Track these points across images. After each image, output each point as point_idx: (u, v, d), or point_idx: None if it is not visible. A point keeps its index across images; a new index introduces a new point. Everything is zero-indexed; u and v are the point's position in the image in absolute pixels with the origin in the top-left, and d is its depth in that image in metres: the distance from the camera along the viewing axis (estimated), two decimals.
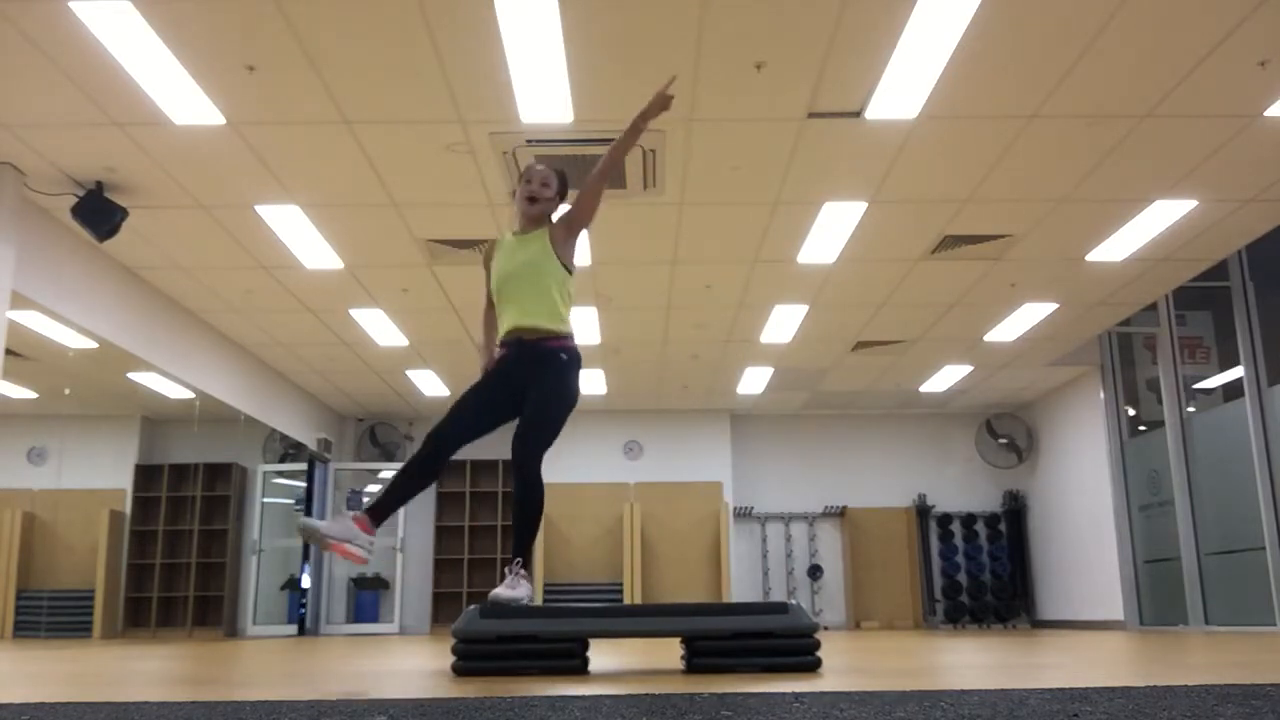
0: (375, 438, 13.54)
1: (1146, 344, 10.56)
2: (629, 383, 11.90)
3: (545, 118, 5.72)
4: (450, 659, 3.39)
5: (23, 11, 4.69)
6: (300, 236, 7.37)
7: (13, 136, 5.89)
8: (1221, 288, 9.20)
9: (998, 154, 6.24)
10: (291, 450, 13.03)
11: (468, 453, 12.56)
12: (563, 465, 12.75)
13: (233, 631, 12.71)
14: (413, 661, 4.56)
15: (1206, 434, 9.66)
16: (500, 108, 5.61)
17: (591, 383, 11.67)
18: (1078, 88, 5.46)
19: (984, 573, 13.19)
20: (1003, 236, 7.56)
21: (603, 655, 4.67)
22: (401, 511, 13.09)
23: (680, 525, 12.95)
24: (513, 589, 3.50)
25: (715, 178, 6.51)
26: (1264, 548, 8.68)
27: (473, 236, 7.45)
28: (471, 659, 3.32)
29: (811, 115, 5.75)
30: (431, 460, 3.64)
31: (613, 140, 3.65)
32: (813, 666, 3.35)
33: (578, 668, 3.37)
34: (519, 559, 3.58)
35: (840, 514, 13.41)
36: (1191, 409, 9.93)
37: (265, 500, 13.08)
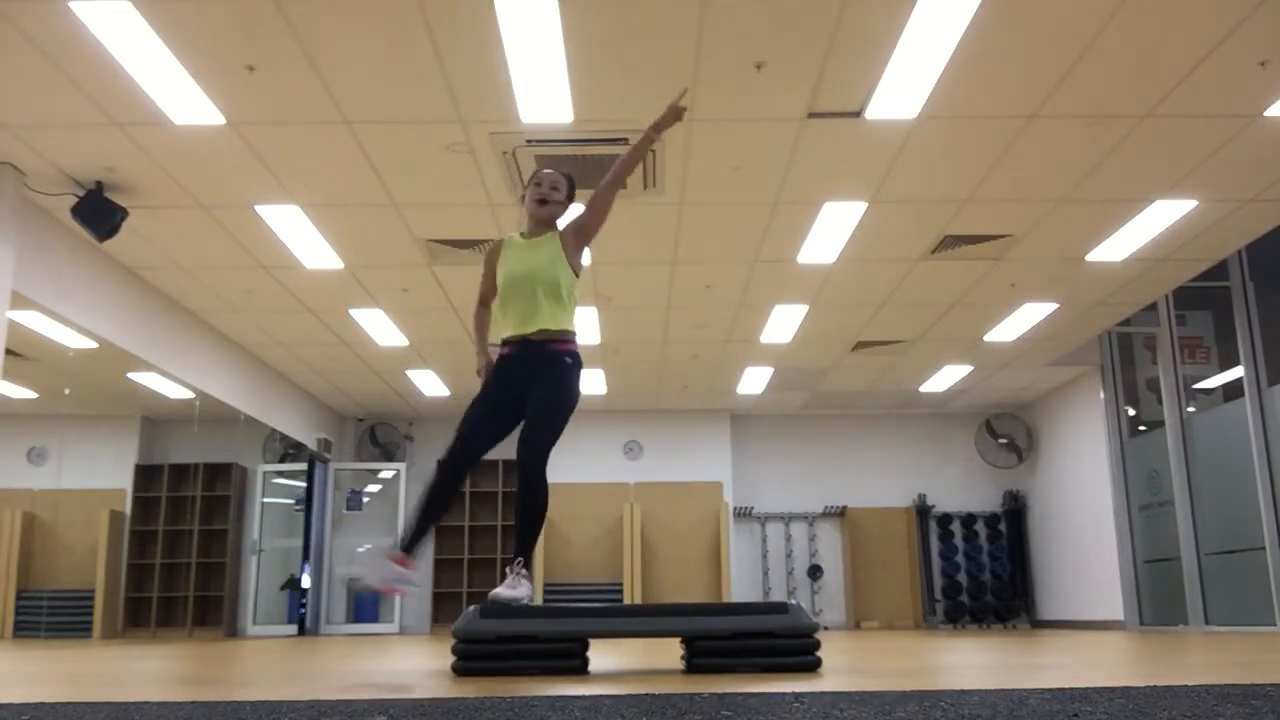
0: (375, 438, 13.54)
1: (1146, 344, 10.57)
2: (629, 383, 11.90)
3: (545, 118, 5.72)
4: (450, 659, 3.39)
5: (23, 11, 4.69)
6: (300, 236, 7.37)
7: (13, 136, 5.89)
8: (1221, 288, 9.20)
9: (998, 154, 6.24)
10: (291, 450, 13.03)
11: None
12: (563, 465, 12.74)
13: (233, 631, 12.71)
14: (413, 661, 4.56)
15: (1206, 434, 9.66)
16: (500, 108, 5.61)
17: (591, 383, 11.67)
18: (1078, 88, 5.46)
19: (984, 573, 13.19)
20: (1003, 236, 7.56)
21: (603, 655, 4.67)
22: (401, 511, 13.13)
23: (680, 525, 12.95)
24: (513, 589, 3.51)
25: (715, 178, 6.51)
26: (1264, 548, 8.68)
27: (473, 236, 7.46)
28: (471, 659, 3.32)
29: (811, 115, 5.75)
30: (451, 485, 3.63)
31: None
32: (813, 666, 3.35)
33: (578, 668, 3.37)
34: (520, 559, 3.58)
35: (840, 514, 13.41)
36: (1191, 409, 9.93)
37: (265, 500, 13.08)
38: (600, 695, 2.34)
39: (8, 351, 6.98)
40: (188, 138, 5.90)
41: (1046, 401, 12.74)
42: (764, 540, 13.39)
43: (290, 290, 8.56)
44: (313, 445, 12.38)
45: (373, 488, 13.56)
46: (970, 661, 3.99)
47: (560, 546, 12.74)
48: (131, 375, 10.26)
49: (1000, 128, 5.92)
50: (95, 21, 4.75)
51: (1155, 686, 2.44)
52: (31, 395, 11.36)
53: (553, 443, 3.62)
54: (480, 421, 3.63)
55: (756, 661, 3.34)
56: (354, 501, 13.44)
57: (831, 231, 7.41)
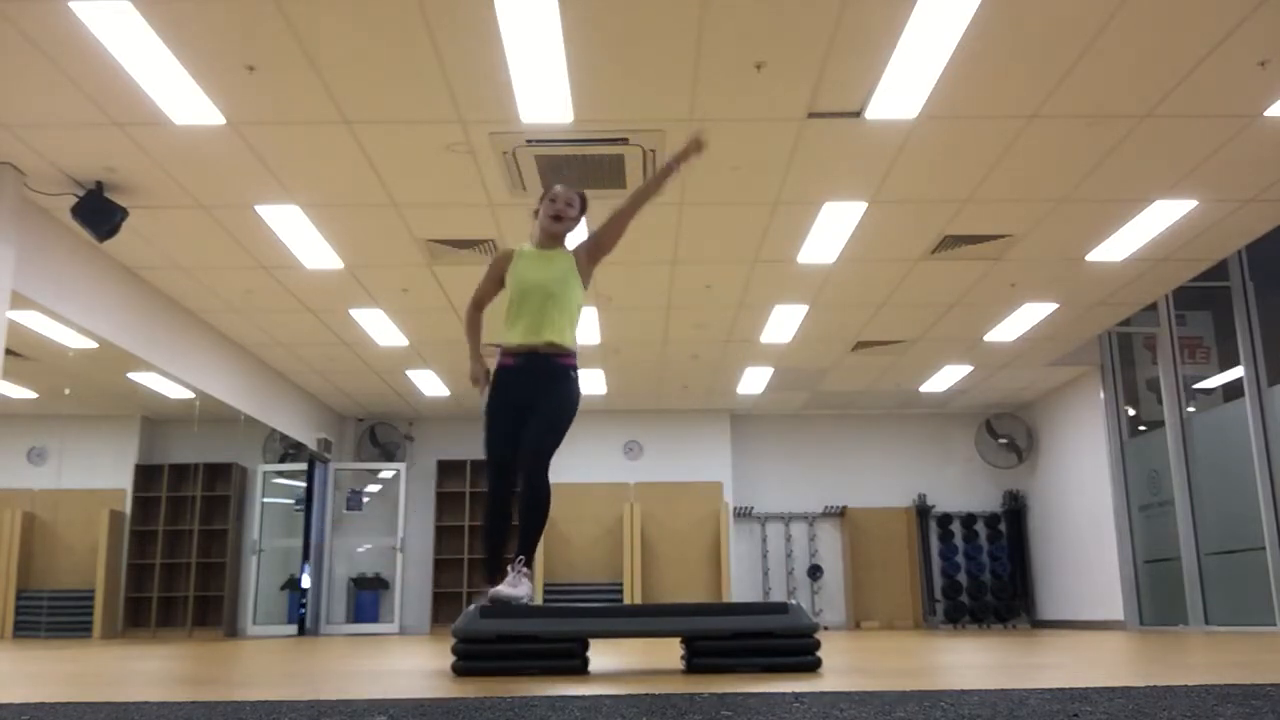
0: (375, 438, 13.54)
1: (1146, 344, 10.57)
2: (629, 383, 11.90)
3: (545, 118, 5.72)
4: (450, 659, 3.39)
5: (23, 11, 4.69)
6: (300, 236, 7.37)
7: (13, 136, 5.89)
8: (1221, 288, 9.20)
9: (998, 154, 6.24)
10: (291, 450, 13.03)
11: (467, 452, 12.52)
12: (563, 465, 12.69)
13: (233, 631, 12.71)
14: (413, 661, 4.56)
15: (1206, 434, 9.66)
16: (500, 108, 5.61)
17: (591, 383, 11.67)
18: (1078, 88, 5.46)
19: (984, 573, 13.19)
20: (1003, 236, 7.56)
21: (603, 655, 4.67)
22: (401, 511, 13.14)
23: (680, 525, 12.95)
24: (514, 587, 3.53)
25: (715, 178, 6.51)
26: (1264, 548, 8.68)
27: (473, 236, 7.46)
28: (471, 659, 3.32)
29: (811, 115, 5.75)
30: (506, 510, 3.78)
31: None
32: (813, 666, 3.35)
33: (578, 668, 3.37)
34: (521, 557, 3.62)
35: (840, 514, 13.41)
36: (1191, 409, 9.93)
37: (265, 500, 13.08)
38: (600, 695, 2.34)
39: (8, 351, 6.99)
40: (188, 138, 5.90)
41: (1046, 401, 12.74)
42: (764, 540, 13.39)
43: (290, 290, 8.56)
44: (313, 445, 12.38)
45: (373, 488, 13.56)
46: (970, 661, 3.99)
47: (560, 546, 12.74)
48: (131, 375, 10.26)
49: (1000, 128, 5.92)
50: (95, 21, 4.75)
51: (1155, 686, 2.44)
52: (31, 395, 11.37)
53: (554, 448, 3.72)
54: (504, 443, 3.75)
55: (756, 661, 3.34)
56: (354, 501, 13.44)
57: (831, 231, 7.41)
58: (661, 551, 12.87)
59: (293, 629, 12.60)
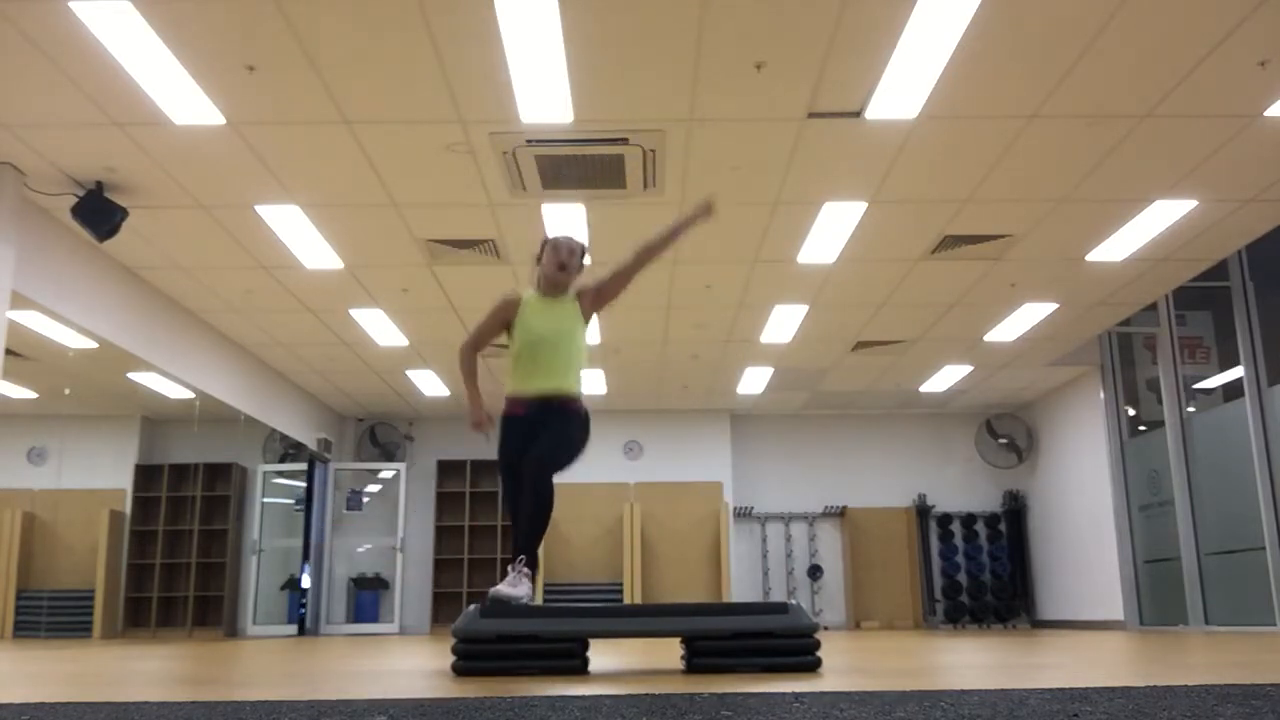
0: (375, 438, 13.54)
1: (1146, 344, 10.57)
2: (629, 383, 11.90)
3: (545, 118, 5.72)
4: (450, 659, 3.39)
5: (23, 11, 4.69)
6: (300, 236, 7.37)
7: (13, 136, 5.89)
8: (1221, 288, 9.20)
9: (998, 154, 6.24)
10: (291, 450, 13.03)
11: (467, 452, 12.51)
12: None
13: (233, 631, 12.71)
14: (413, 661, 4.56)
15: (1206, 434, 9.66)
16: (500, 108, 5.61)
17: (591, 382, 11.68)
18: (1078, 88, 5.46)
19: (984, 573, 13.19)
20: (1003, 236, 7.56)
21: (603, 655, 4.67)
22: (401, 511, 13.14)
23: (680, 525, 12.95)
24: (514, 586, 3.53)
25: (715, 178, 6.51)
26: (1264, 548, 8.68)
27: (473, 236, 7.46)
28: (471, 659, 3.32)
29: (811, 115, 5.75)
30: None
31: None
32: (813, 666, 3.35)
33: (578, 668, 3.37)
34: (523, 557, 3.63)
35: (840, 514, 13.41)
36: (1191, 409, 9.93)
37: (265, 500, 13.08)
38: (600, 695, 2.34)
39: (8, 351, 6.99)
40: (188, 138, 5.90)
41: (1046, 401, 12.74)
42: (764, 540, 13.39)
43: (290, 290, 8.56)
44: (313, 445, 12.38)
45: (373, 488, 13.56)
46: (970, 661, 3.99)
47: (560, 546, 12.74)
48: (131, 375, 10.26)
49: (1000, 128, 5.92)
50: (95, 21, 4.75)
51: (1155, 686, 2.44)
52: (31, 395, 11.37)
53: (563, 465, 3.79)
54: (521, 492, 3.78)
55: (756, 661, 3.34)
56: (354, 501, 13.44)
57: (831, 231, 7.41)
58: (661, 551, 12.87)
59: (293, 629, 12.60)
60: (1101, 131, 5.96)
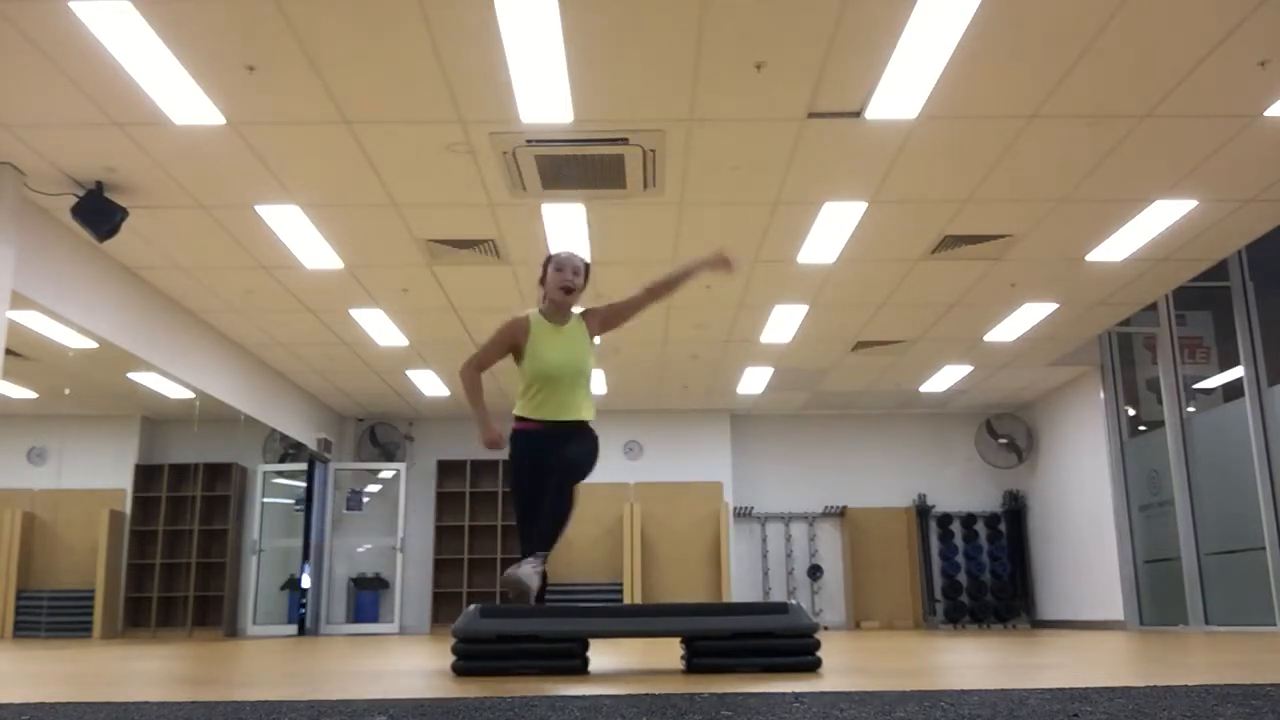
0: (375, 438, 13.54)
1: (1146, 344, 10.57)
2: (629, 383, 11.90)
3: (545, 118, 5.71)
4: (450, 659, 3.39)
5: (23, 11, 4.69)
6: (300, 236, 7.37)
7: (13, 136, 5.89)
8: (1221, 288, 9.20)
9: (998, 154, 6.24)
10: (291, 450, 13.03)
11: (467, 452, 12.46)
12: None
13: (233, 631, 12.71)
14: (413, 661, 4.56)
15: (1206, 434, 9.66)
16: (500, 108, 5.61)
17: (592, 382, 11.67)
18: (1078, 88, 5.46)
19: (984, 573, 13.19)
20: (1003, 236, 7.56)
21: (603, 655, 4.67)
22: (401, 511, 13.14)
23: (680, 525, 12.95)
24: (535, 570, 3.67)
25: (715, 178, 6.51)
26: (1264, 548, 8.68)
27: (473, 236, 7.45)
28: (471, 659, 3.32)
29: (811, 115, 5.75)
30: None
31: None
32: (813, 666, 3.35)
33: (578, 668, 3.37)
34: (543, 552, 3.77)
35: (840, 514, 13.41)
36: (1191, 409, 9.93)
37: (265, 500, 13.08)
38: (600, 695, 2.34)
39: (8, 351, 6.98)
40: (188, 138, 5.90)
41: (1046, 401, 12.74)
42: (764, 540, 13.39)
43: (290, 290, 8.56)
44: (313, 445, 12.38)
45: (373, 488, 13.56)
46: (970, 661, 3.99)
47: (560, 546, 12.57)
48: (131, 375, 10.26)
49: (1000, 128, 5.92)
50: (95, 21, 4.75)
51: (1155, 686, 2.44)
52: (31, 395, 11.36)
53: (587, 473, 3.94)
54: (537, 504, 3.90)
55: (756, 661, 3.34)
56: (354, 501, 13.44)
57: (831, 231, 7.41)
58: (661, 551, 12.87)
59: (293, 629, 12.60)
60: (1101, 131, 5.96)
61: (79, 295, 7.35)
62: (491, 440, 3.93)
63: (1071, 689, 2.37)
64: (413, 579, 13.11)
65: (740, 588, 13.14)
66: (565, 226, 7.25)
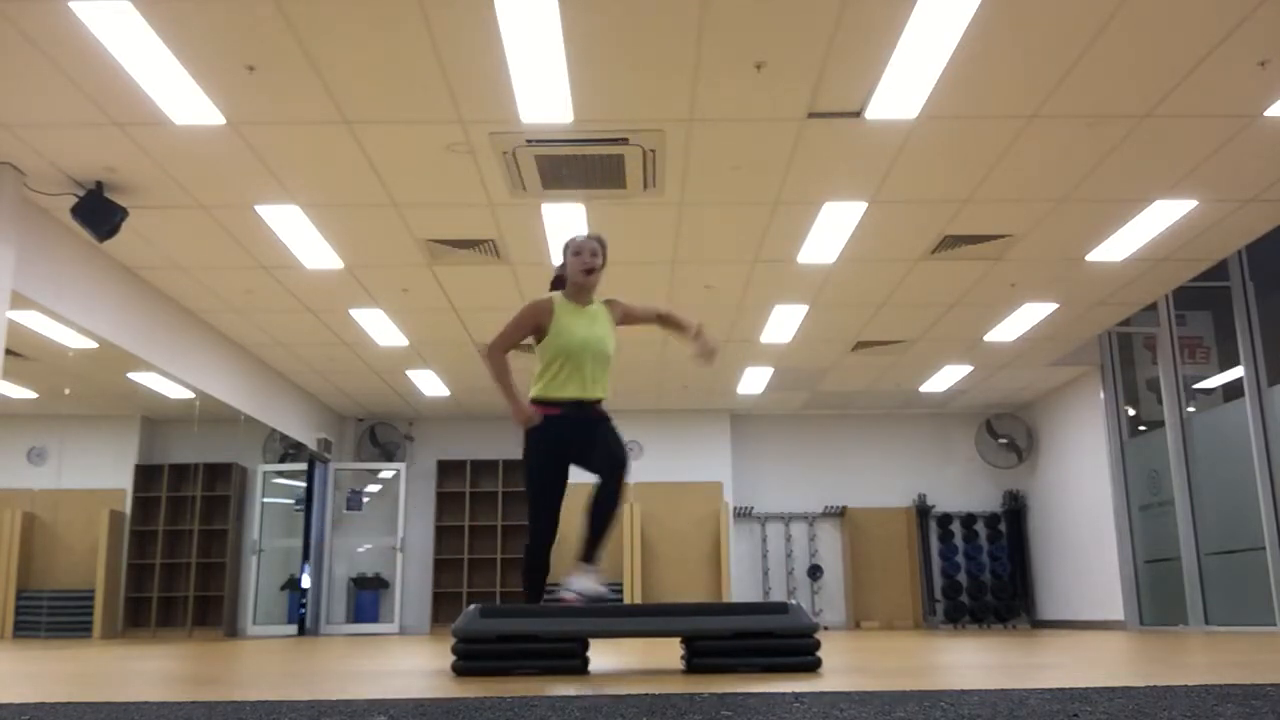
0: (375, 438, 13.54)
1: (1146, 344, 10.57)
2: (629, 383, 11.90)
3: (545, 118, 5.72)
4: (450, 659, 3.39)
5: (23, 11, 4.69)
6: (300, 236, 7.37)
7: (13, 136, 5.89)
8: (1221, 288, 9.20)
9: (998, 154, 6.24)
10: (291, 450, 13.03)
11: (468, 452, 12.47)
12: None
13: (233, 631, 12.71)
14: (413, 661, 4.56)
15: (1206, 434, 9.66)
16: (500, 108, 5.61)
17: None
18: (1078, 88, 5.46)
19: (984, 573, 13.19)
20: (1003, 236, 7.56)
21: (603, 655, 4.67)
22: (401, 511, 13.14)
23: (680, 525, 12.95)
24: (595, 581, 3.85)
25: (715, 178, 6.51)
26: (1264, 548, 8.68)
27: (473, 236, 7.45)
28: (471, 659, 3.32)
29: (811, 115, 5.75)
30: (549, 549, 4.10)
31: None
32: (813, 666, 3.35)
33: (578, 668, 3.37)
34: (595, 558, 3.94)
35: (840, 514, 13.41)
36: (1191, 409, 9.93)
37: (265, 500, 13.08)
38: (600, 695, 2.34)
39: (8, 351, 6.98)
40: (188, 138, 5.90)
41: (1046, 401, 12.74)
42: (764, 540, 13.39)
43: (290, 290, 8.56)
44: (313, 445, 12.38)
45: (373, 488, 13.56)
46: (970, 661, 3.99)
47: (560, 546, 12.68)
48: (131, 375, 10.26)
49: (1000, 128, 5.92)
50: (95, 21, 4.75)
51: (1155, 686, 2.44)
52: (31, 395, 11.36)
53: (627, 473, 4.00)
54: (558, 498, 4.00)
55: (756, 661, 3.34)
56: (354, 501, 13.44)
57: (831, 231, 7.41)
58: (661, 551, 12.87)
59: (293, 629, 12.60)
60: (1101, 131, 5.96)
61: (79, 295, 7.35)
62: (525, 417, 3.95)
63: (1071, 689, 2.37)
64: (413, 579, 13.11)
65: (740, 588, 13.13)
66: (565, 227, 7.25)
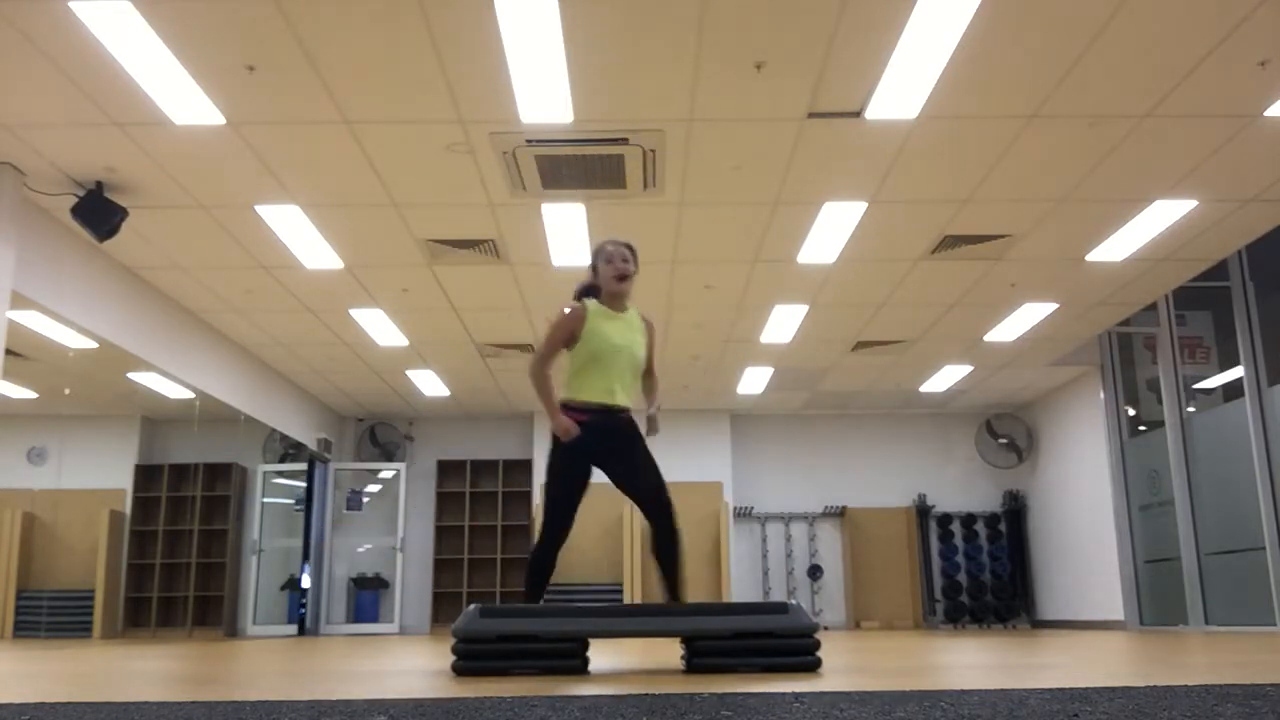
0: (375, 438, 13.54)
1: (1146, 344, 10.57)
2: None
3: (545, 118, 5.72)
4: (450, 659, 3.39)
5: (23, 11, 4.69)
6: (300, 236, 7.37)
7: (13, 136, 5.89)
8: (1221, 288, 9.20)
9: (998, 154, 6.24)
10: (291, 450, 13.03)
11: (468, 452, 12.49)
12: None
13: (233, 631, 12.71)
14: (413, 661, 4.56)
15: (1206, 434, 9.66)
16: (500, 108, 5.61)
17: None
18: (1078, 88, 5.46)
19: (984, 573, 13.19)
20: (1003, 236, 7.56)
21: (603, 655, 4.67)
22: (401, 511, 13.14)
23: (680, 525, 12.92)
24: None
25: (715, 178, 6.51)
26: (1264, 548, 8.68)
27: (473, 236, 7.45)
28: (471, 659, 3.32)
29: (811, 115, 5.75)
30: (554, 558, 4.14)
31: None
32: (813, 666, 3.35)
33: (578, 668, 3.37)
34: (682, 600, 3.97)
35: (840, 514, 13.41)
36: (1191, 409, 9.93)
37: (265, 500, 13.08)
38: (600, 695, 2.34)
39: (8, 351, 6.98)
40: (188, 138, 5.90)
41: (1046, 401, 12.74)
42: (764, 540, 13.39)
43: (290, 290, 8.56)
44: (313, 445, 12.38)
45: (373, 488, 13.56)
46: (970, 661, 3.99)
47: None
48: (131, 375, 10.26)
49: (1000, 128, 5.92)
50: (95, 21, 4.75)
51: (1155, 686, 2.44)
52: (31, 395, 11.36)
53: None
54: (573, 507, 4.03)
55: (756, 661, 3.34)
56: (354, 501, 13.44)
57: (831, 231, 7.41)
58: None
59: (293, 629, 12.60)
60: (1101, 131, 5.96)
61: (79, 295, 7.35)
62: (566, 429, 3.94)
63: (1071, 689, 2.37)
64: (413, 579, 13.11)
65: (740, 588, 13.14)
66: (565, 226, 7.25)
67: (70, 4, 4.62)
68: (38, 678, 3.47)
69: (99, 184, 6.46)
